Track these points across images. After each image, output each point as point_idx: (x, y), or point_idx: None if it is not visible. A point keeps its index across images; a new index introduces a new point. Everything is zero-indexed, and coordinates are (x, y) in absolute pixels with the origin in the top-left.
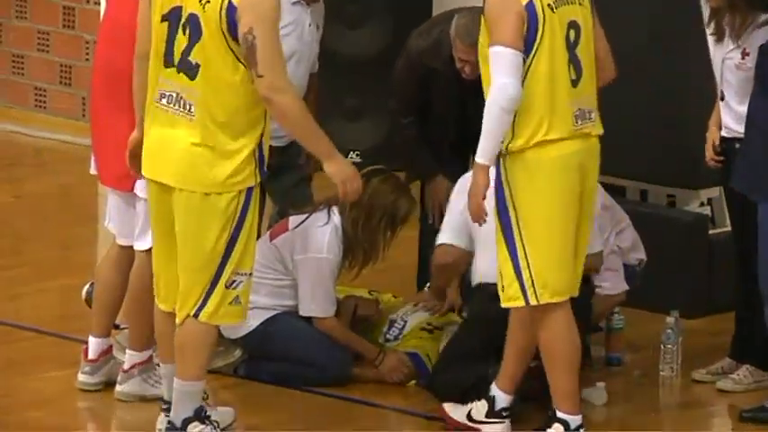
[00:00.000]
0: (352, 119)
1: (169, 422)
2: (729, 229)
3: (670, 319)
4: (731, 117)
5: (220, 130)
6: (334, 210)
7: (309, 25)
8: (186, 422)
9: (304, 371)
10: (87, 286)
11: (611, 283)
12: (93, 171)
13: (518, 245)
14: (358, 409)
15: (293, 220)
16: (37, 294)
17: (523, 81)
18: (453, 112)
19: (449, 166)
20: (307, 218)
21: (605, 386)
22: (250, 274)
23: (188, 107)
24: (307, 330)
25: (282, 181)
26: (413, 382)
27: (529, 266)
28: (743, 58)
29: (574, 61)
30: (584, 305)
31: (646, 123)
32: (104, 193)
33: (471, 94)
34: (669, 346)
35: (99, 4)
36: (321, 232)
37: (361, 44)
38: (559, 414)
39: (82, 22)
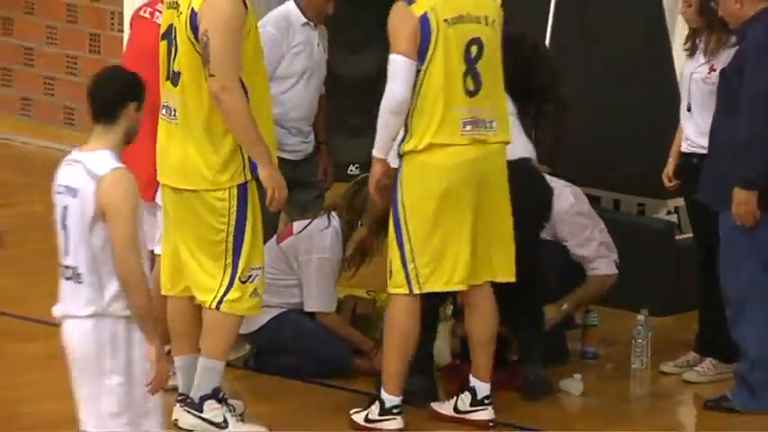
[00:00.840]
0: (354, 136)
1: (187, 397)
2: None
3: (640, 317)
4: (693, 130)
5: (200, 131)
6: (334, 214)
7: (318, 45)
8: (203, 399)
9: (308, 364)
10: None
11: (605, 265)
12: None
13: (405, 240)
14: (357, 398)
15: (297, 225)
16: None
17: (420, 87)
18: None
19: None
20: (309, 223)
21: (581, 378)
22: (262, 268)
23: (172, 113)
24: (311, 326)
25: (300, 196)
26: None
27: (414, 260)
28: (709, 73)
29: (473, 74)
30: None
31: (621, 142)
32: None
33: None
34: (639, 341)
35: (122, 31)
36: (323, 235)
37: (363, 68)
38: (383, 394)
39: (107, 48)
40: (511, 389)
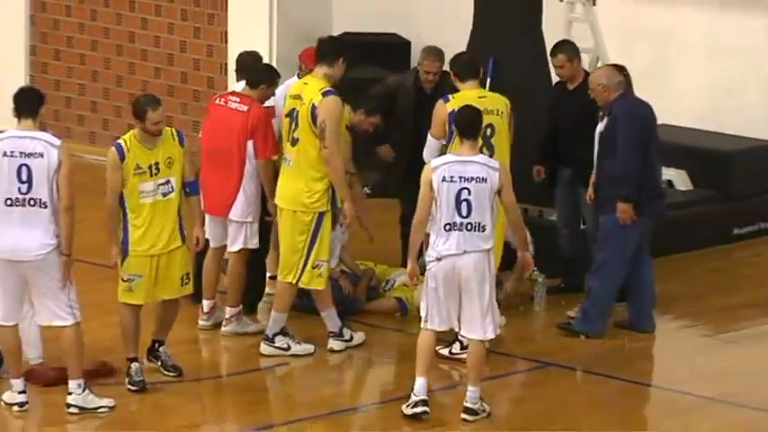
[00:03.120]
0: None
1: (265, 335)
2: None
3: (540, 279)
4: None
5: (306, 175)
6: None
7: None
8: (275, 335)
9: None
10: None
11: None
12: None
13: None
14: (372, 329)
15: None
16: None
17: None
18: (411, 117)
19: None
20: None
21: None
22: (327, 261)
23: (288, 162)
24: (337, 287)
25: None
26: (398, 313)
27: None
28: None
29: (488, 145)
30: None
31: (530, 171)
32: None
33: (426, 103)
34: (539, 293)
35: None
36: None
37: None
38: (461, 336)
39: None
40: None
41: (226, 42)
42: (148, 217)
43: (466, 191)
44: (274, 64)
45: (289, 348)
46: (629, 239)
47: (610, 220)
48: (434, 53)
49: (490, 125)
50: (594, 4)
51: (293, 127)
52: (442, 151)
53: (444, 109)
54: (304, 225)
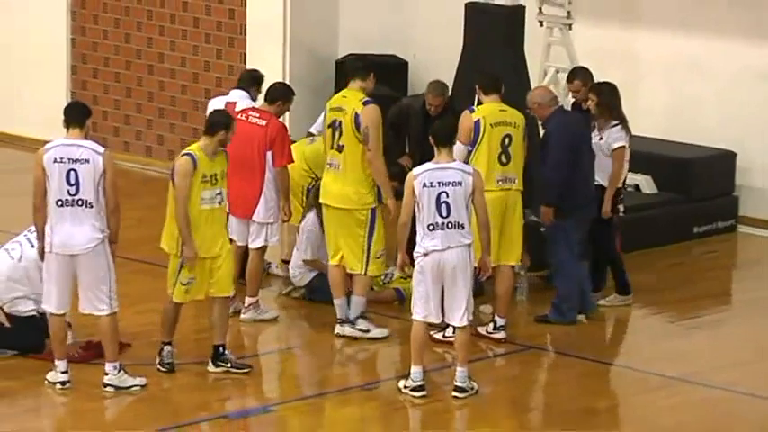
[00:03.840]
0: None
1: (342, 318)
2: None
3: (522, 272)
4: (597, 171)
5: (353, 176)
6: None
7: None
8: (356, 318)
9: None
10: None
11: None
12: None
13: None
14: (378, 317)
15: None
16: None
17: (470, 159)
18: (420, 132)
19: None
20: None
21: (490, 304)
22: (384, 250)
23: (336, 166)
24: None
25: None
26: (396, 302)
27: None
28: (600, 140)
29: (506, 153)
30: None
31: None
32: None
33: (431, 124)
34: (522, 285)
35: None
36: (312, 220)
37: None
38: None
39: None
40: None
41: (245, 63)
42: (206, 223)
43: (444, 194)
44: (287, 81)
45: (368, 331)
46: (572, 240)
47: (553, 227)
48: (437, 90)
49: (508, 135)
50: (570, 29)
51: (337, 136)
52: (467, 156)
53: (470, 119)
54: (360, 222)
